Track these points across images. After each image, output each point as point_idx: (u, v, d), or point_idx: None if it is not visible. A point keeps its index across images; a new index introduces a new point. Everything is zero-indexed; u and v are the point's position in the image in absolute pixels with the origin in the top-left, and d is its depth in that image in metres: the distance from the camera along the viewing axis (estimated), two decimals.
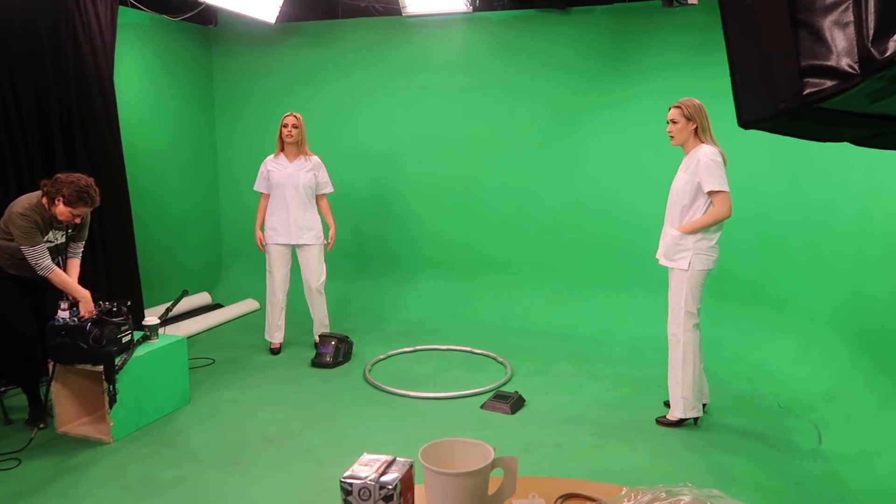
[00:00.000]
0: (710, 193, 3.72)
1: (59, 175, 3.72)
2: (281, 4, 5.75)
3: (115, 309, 3.91)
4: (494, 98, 6.28)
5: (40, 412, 3.99)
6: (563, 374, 4.87)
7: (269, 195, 5.33)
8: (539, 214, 6.19)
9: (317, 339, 5.38)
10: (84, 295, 3.79)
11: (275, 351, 5.44)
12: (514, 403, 4.29)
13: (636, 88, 5.78)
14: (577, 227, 6.12)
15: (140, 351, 4.01)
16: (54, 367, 3.81)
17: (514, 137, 6.26)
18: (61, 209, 3.66)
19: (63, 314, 3.73)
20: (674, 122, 3.84)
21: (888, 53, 0.81)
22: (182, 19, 6.33)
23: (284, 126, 5.21)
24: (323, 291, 5.42)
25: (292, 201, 5.24)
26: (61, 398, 3.92)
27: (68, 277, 3.82)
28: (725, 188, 3.70)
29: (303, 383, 4.80)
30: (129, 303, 4.04)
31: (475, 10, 5.77)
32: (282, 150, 5.29)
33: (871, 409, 3.71)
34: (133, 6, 5.78)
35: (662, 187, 5.24)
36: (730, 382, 4.72)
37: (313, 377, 4.91)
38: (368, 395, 4.59)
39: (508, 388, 4.56)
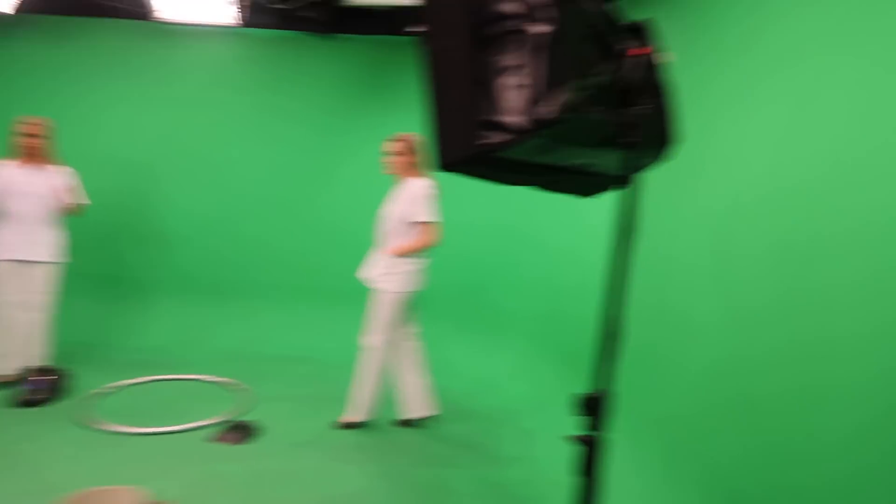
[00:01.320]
0: (421, 223, 4.04)
1: None
2: None
3: None
4: (260, 116, 6.14)
5: None
6: (307, 399, 4.82)
7: None
8: (287, 236, 6.12)
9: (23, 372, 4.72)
10: None
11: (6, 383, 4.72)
12: (246, 433, 4.14)
13: (389, 117, 5.96)
14: (322, 249, 6.15)
15: None
16: None
17: (268, 157, 6.16)
18: None
19: None
20: (398, 153, 4.11)
21: (546, 115, 0.92)
22: None
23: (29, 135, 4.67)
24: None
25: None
26: None
27: None
28: (436, 219, 4.06)
29: (4, 425, 4.17)
30: None
31: (243, 25, 5.61)
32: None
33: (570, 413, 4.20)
34: None
35: (472, 226, 5.45)
36: (456, 398, 5.02)
37: (13, 417, 4.30)
38: (81, 435, 4.12)
39: (249, 416, 4.40)
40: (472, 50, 1.02)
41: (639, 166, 1.44)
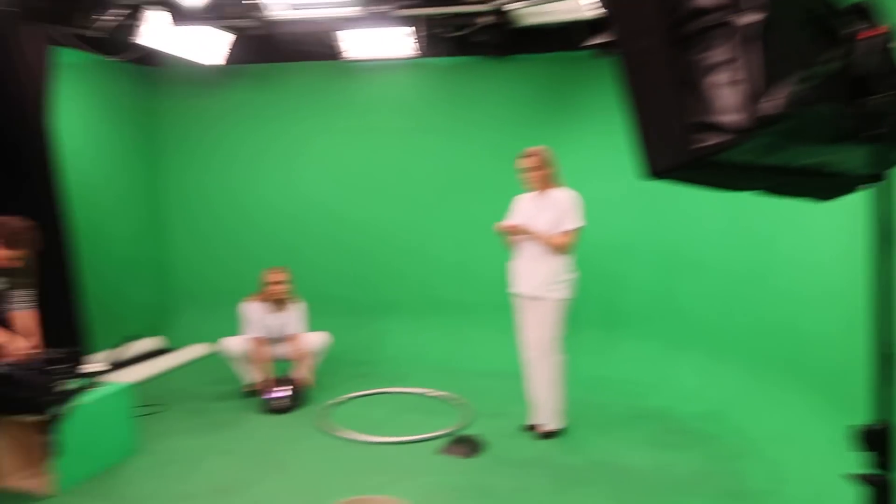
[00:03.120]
0: (567, 231, 4.21)
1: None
2: (229, 47, 5.76)
3: (58, 356, 3.79)
4: (439, 142, 6.41)
5: None
6: (522, 416, 4.82)
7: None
8: (485, 255, 6.20)
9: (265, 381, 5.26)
10: (9, 342, 3.67)
11: (250, 393, 5.34)
12: (472, 447, 4.24)
13: (573, 134, 5.92)
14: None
15: (85, 399, 3.88)
16: None
17: (459, 181, 6.39)
18: (1, 253, 3.59)
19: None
20: (531, 168, 4.27)
21: (769, 111, 0.83)
22: (127, 61, 6.20)
23: (272, 283, 5.29)
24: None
25: None
26: (1, 450, 3.77)
27: None
28: (581, 225, 4.25)
29: (255, 430, 4.69)
30: (72, 350, 3.94)
31: (419, 55, 5.86)
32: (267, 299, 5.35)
33: (828, 445, 3.73)
34: (76, 47, 5.65)
35: (606, 230, 5.35)
36: (686, 421, 4.75)
37: (266, 423, 4.81)
38: (323, 441, 4.50)
39: (468, 432, 4.51)
40: (673, 50, 0.95)
41: (891, 161, 1.26)
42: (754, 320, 4.74)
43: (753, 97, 0.83)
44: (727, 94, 0.86)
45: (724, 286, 5.06)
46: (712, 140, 0.87)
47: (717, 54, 0.84)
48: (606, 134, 5.71)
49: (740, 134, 0.87)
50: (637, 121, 1.07)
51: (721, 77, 0.86)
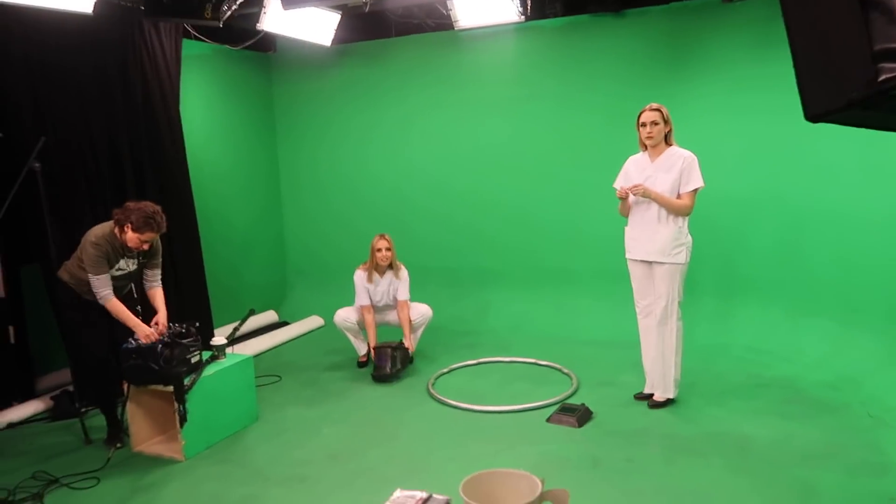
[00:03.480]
0: (690, 191, 4.06)
1: (128, 203, 3.83)
2: (335, 27, 5.83)
3: (184, 330, 3.98)
4: (548, 108, 6.21)
5: (117, 432, 4.10)
6: (631, 386, 4.72)
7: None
8: (595, 223, 6.06)
9: (371, 350, 5.36)
10: (137, 325, 3.86)
11: (362, 364, 5.50)
12: (581, 416, 4.17)
13: (696, 91, 5.62)
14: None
15: (209, 370, 4.08)
16: (128, 388, 3.91)
17: (569, 147, 6.17)
18: (130, 236, 3.77)
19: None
20: (654, 123, 4.08)
21: None
22: (242, 48, 6.48)
23: (378, 250, 5.31)
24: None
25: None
26: (136, 418, 4.02)
27: (124, 308, 3.87)
28: (702, 185, 4.08)
29: (366, 399, 4.79)
30: (197, 324, 4.12)
31: (527, 19, 5.70)
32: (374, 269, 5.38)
33: None
34: (197, 38, 5.96)
35: (723, 191, 5.12)
36: (812, 391, 4.50)
37: (376, 393, 4.90)
38: (431, 409, 4.55)
39: (574, 401, 4.45)
40: None
41: None
42: (892, 280, 4.41)
43: None
44: None
45: (858, 243, 4.71)
46: None
47: None
48: (728, 86, 5.49)
49: None
50: (802, 55, 0.97)
51: None
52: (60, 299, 4.06)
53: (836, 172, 4.86)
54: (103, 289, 3.81)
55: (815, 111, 0.97)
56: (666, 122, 4.09)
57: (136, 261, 4.01)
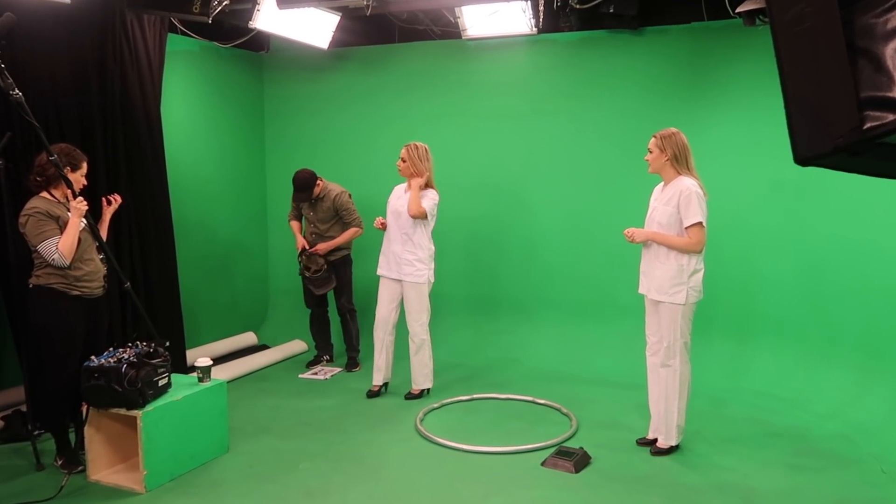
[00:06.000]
0: (691, 226, 4.09)
1: (36, 168, 3.99)
2: (334, 29, 5.92)
3: (152, 350, 4.02)
4: (559, 127, 6.30)
5: (74, 456, 4.11)
6: (635, 429, 4.73)
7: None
8: (607, 250, 6.10)
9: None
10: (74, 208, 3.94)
11: (371, 394, 5.52)
12: (579, 461, 4.19)
13: (717, 117, 5.73)
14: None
15: (176, 395, 4.10)
16: (88, 410, 3.93)
17: (579, 168, 6.25)
18: (76, 177, 4.02)
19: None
20: (649, 150, 4.22)
21: None
22: (232, 46, 6.57)
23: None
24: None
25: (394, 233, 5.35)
26: (94, 444, 4.02)
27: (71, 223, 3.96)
28: (704, 220, 4.09)
29: (348, 433, 4.81)
30: (167, 343, 4.15)
31: (540, 31, 5.79)
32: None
33: None
34: (183, 33, 6.04)
35: (741, 223, 5.17)
36: (824, 442, 4.52)
37: (359, 427, 4.92)
38: (418, 447, 4.56)
39: (573, 444, 4.47)
40: (842, 12, 0.88)
41: None
42: None
43: None
44: None
45: (882, 285, 4.78)
46: (891, 118, 0.80)
47: None
48: (751, 113, 5.57)
49: None
50: (792, 98, 1.02)
51: None
52: (34, 309, 4.04)
53: (861, 209, 4.94)
54: (52, 251, 3.85)
55: (805, 154, 1.02)
56: (662, 150, 4.16)
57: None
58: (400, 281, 5.32)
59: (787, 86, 1.02)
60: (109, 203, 4.40)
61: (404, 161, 5.26)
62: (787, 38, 1.00)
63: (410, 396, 5.45)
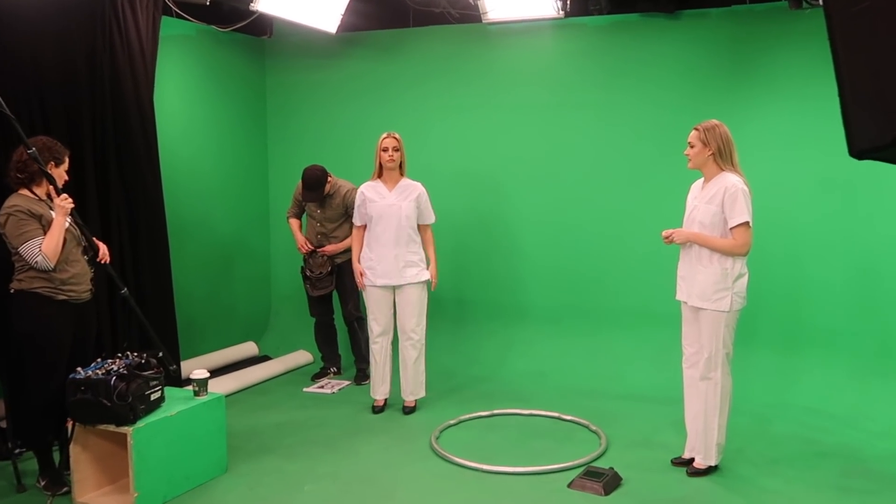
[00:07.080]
0: (736, 227, 4.06)
1: (15, 163, 3.99)
2: (343, 12, 5.92)
3: (143, 361, 4.02)
4: (588, 118, 6.29)
5: (58, 476, 4.13)
6: (670, 448, 4.70)
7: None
8: (641, 254, 6.07)
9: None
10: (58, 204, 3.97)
11: (377, 409, 5.54)
12: (609, 482, 4.17)
13: (761, 108, 5.70)
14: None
15: (170, 410, 4.11)
16: (73, 426, 3.95)
17: (610, 164, 6.24)
18: (59, 172, 4.05)
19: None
20: (690, 145, 4.20)
21: None
22: (232, 30, 6.58)
23: (384, 150, 5.32)
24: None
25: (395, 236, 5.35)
26: (81, 463, 4.02)
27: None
28: (750, 219, 4.06)
29: (359, 451, 4.81)
30: (160, 354, 4.17)
31: (567, 15, 5.77)
32: (379, 176, 5.40)
33: None
34: (178, 16, 6.05)
35: (788, 226, 5.10)
36: (877, 463, 4.48)
37: (370, 445, 4.92)
38: (434, 467, 4.56)
39: (602, 464, 4.44)
40: None
41: None
42: None
43: None
44: None
45: None
46: None
47: None
48: (798, 104, 5.54)
49: None
50: (849, 85, 0.99)
51: None
52: (16, 316, 4.05)
53: None
54: (35, 253, 3.84)
55: (861, 146, 1.00)
56: (706, 144, 4.13)
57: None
58: (394, 287, 5.38)
59: (842, 72, 1.00)
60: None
61: (397, 150, 5.32)
62: (842, 20, 0.98)
63: (409, 410, 5.48)
